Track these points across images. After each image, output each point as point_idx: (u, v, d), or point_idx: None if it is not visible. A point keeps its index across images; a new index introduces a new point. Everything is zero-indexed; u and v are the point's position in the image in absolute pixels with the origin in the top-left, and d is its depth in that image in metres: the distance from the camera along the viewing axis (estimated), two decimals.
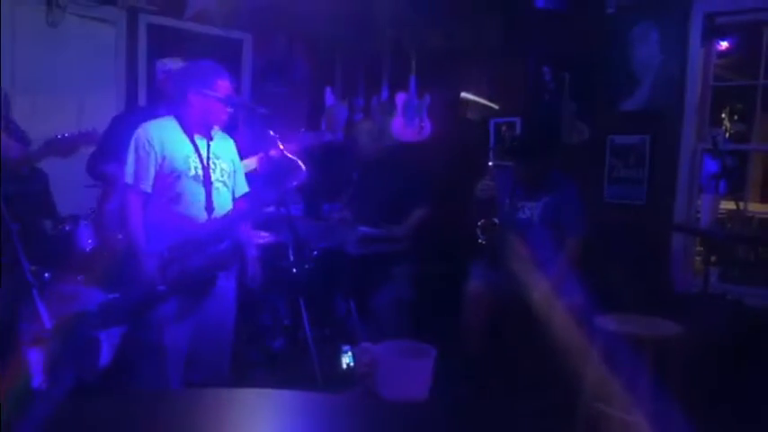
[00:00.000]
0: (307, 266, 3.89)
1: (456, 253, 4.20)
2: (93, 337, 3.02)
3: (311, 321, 3.25)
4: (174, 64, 3.43)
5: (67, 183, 3.82)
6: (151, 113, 3.05)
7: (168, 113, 2.78)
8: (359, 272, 3.95)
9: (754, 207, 4.48)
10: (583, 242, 3.50)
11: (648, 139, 3.97)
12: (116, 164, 3.19)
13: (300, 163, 2.83)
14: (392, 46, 5.05)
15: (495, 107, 4.63)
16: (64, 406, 1.78)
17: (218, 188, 2.72)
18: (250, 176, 3.08)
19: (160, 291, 2.53)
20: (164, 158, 2.63)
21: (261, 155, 3.27)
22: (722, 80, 4.20)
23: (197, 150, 2.69)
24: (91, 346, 3.01)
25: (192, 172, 2.65)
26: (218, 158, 2.75)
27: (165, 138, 2.66)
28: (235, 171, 2.87)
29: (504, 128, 4.66)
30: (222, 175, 2.76)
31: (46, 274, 3.11)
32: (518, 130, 4.57)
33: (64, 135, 2.77)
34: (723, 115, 5.49)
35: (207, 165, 2.69)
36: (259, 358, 4.01)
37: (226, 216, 2.72)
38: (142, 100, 4.72)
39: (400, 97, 4.84)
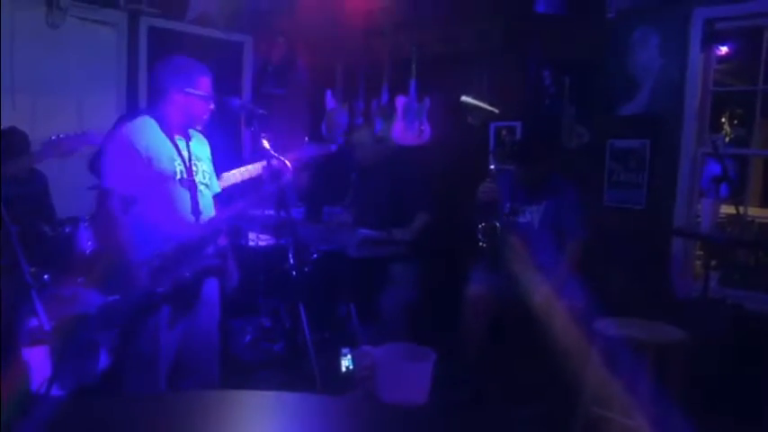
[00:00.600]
0: (307, 269, 3.90)
1: (456, 256, 4.20)
2: (92, 339, 3.02)
3: (311, 324, 3.24)
4: None
5: (67, 185, 3.83)
6: None
7: (146, 113, 2.64)
8: (359, 275, 3.95)
9: (754, 211, 4.49)
10: (583, 246, 3.51)
11: (648, 143, 3.97)
12: None
13: (287, 163, 2.70)
14: (392, 50, 5.06)
15: (496, 111, 4.63)
16: (63, 408, 1.78)
17: (201, 190, 2.63)
18: (250, 183, 3.05)
19: (156, 295, 2.43)
20: (149, 160, 2.49)
21: (265, 162, 3.23)
22: (722, 85, 4.20)
23: (179, 151, 2.58)
24: (90, 348, 3.00)
25: (179, 175, 2.55)
26: (198, 160, 2.66)
27: (149, 138, 2.52)
28: (212, 172, 2.77)
29: (504, 132, 4.66)
30: (204, 177, 2.67)
31: (45, 276, 3.11)
32: (518, 134, 4.58)
33: (62, 136, 2.75)
34: (723, 120, 5.50)
35: (189, 167, 2.59)
36: (259, 361, 4.02)
37: (212, 219, 2.64)
38: (143, 102, 4.72)
39: (400, 101, 4.84)
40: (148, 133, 2.54)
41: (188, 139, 2.65)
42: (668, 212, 3.90)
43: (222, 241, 2.72)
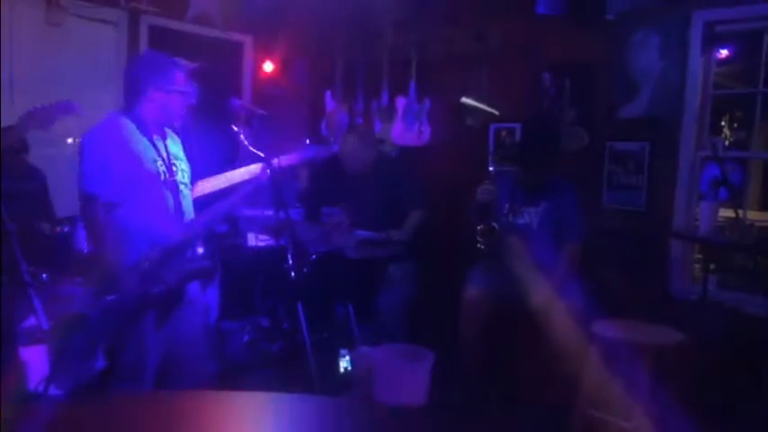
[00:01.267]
0: (305, 270, 3.90)
1: (454, 257, 4.20)
2: (89, 338, 3.01)
3: (309, 325, 3.24)
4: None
5: (66, 183, 3.82)
6: None
7: (121, 113, 2.52)
8: (357, 276, 3.95)
9: (754, 215, 4.48)
10: (582, 248, 3.51)
11: (648, 145, 3.97)
12: None
13: (261, 154, 2.65)
14: (392, 51, 5.06)
15: (496, 113, 4.63)
16: (61, 408, 1.78)
17: (182, 190, 2.55)
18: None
19: (148, 297, 2.36)
20: (133, 163, 2.40)
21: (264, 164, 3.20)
22: (722, 88, 4.20)
23: (158, 152, 2.49)
24: (88, 348, 2.99)
25: (162, 176, 2.47)
26: (177, 159, 2.58)
27: (129, 140, 2.43)
28: (188, 169, 2.69)
29: (503, 133, 4.66)
30: (183, 177, 2.59)
31: (43, 275, 3.10)
32: (518, 135, 4.58)
33: (39, 106, 2.67)
34: (723, 123, 5.50)
35: (170, 167, 2.51)
36: (257, 361, 4.01)
37: (197, 220, 2.58)
38: None
39: (400, 102, 4.85)
40: (128, 134, 2.44)
41: (164, 137, 2.57)
42: (667, 215, 3.90)
43: (210, 241, 2.67)
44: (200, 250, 2.57)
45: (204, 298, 2.74)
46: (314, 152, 3.51)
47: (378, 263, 3.97)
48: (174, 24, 4.94)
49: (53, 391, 2.56)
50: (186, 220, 2.53)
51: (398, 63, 4.97)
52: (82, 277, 3.18)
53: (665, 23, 3.88)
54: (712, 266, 3.74)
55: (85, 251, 3.41)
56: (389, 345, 3.49)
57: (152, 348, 2.47)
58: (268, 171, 2.66)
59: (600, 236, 3.72)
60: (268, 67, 5.54)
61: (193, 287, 2.62)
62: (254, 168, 2.77)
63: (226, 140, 2.93)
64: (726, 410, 3.06)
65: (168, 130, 2.63)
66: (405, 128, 4.83)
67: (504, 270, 3.47)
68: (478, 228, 3.57)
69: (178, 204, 2.51)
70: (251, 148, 2.65)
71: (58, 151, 4.04)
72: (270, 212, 3.33)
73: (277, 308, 4.25)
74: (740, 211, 3.81)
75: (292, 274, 3.48)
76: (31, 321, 2.83)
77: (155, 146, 2.49)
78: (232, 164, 2.91)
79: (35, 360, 2.78)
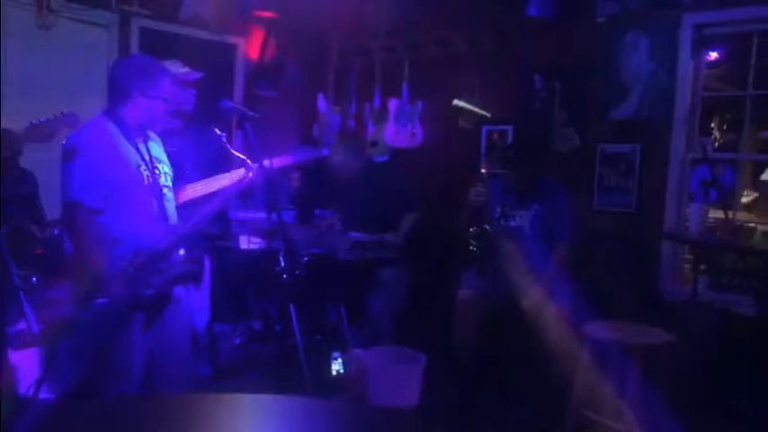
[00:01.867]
0: (298, 272, 3.88)
1: (447, 260, 4.21)
2: (80, 341, 2.99)
3: (301, 327, 3.24)
4: (173, 68, 3.36)
5: (57, 186, 3.80)
6: None
7: (104, 116, 2.48)
8: (350, 278, 3.95)
9: (743, 216, 4.51)
10: (573, 250, 3.52)
11: (638, 147, 3.99)
12: None
13: (248, 161, 2.62)
14: (385, 53, 5.07)
15: (488, 115, 4.65)
16: (52, 411, 1.77)
17: (165, 194, 2.52)
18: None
19: (137, 299, 2.34)
20: (116, 168, 2.36)
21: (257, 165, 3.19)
22: (712, 90, 4.23)
23: (141, 155, 2.46)
24: (78, 351, 2.98)
25: (146, 180, 2.44)
26: (159, 162, 2.54)
27: (112, 144, 2.39)
28: (171, 172, 2.66)
29: (495, 135, 4.68)
30: (166, 180, 2.56)
31: (34, 279, 3.09)
32: (510, 137, 4.59)
33: (43, 120, 2.66)
34: (712, 125, 5.54)
35: (152, 170, 2.48)
36: (249, 364, 4.01)
37: (181, 224, 2.55)
38: None
39: (393, 104, 4.85)
40: (111, 138, 2.41)
41: (146, 140, 2.54)
42: (658, 216, 3.92)
43: (182, 250, 2.61)
44: (184, 253, 2.52)
45: (191, 301, 2.71)
46: (305, 155, 3.51)
47: (370, 265, 3.98)
48: (165, 27, 4.93)
49: (44, 394, 2.54)
50: (170, 224, 2.50)
51: (391, 65, 4.98)
52: (72, 281, 3.16)
53: (655, 26, 3.90)
54: (702, 267, 3.76)
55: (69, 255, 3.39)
56: (382, 347, 3.50)
57: (138, 353, 2.45)
58: (250, 174, 2.64)
59: (591, 237, 3.73)
60: (260, 69, 5.53)
61: (179, 290, 2.59)
62: (241, 172, 2.77)
63: (211, 140, 2.91)
64: (716, 410, 3.08)
65: (151, 134, 2.60)
66: (397, 129, 4.84)
67: (497, 272, 3.48)
68: (471, 230, 3.57)
69: (162, 208, 2.48)
70: (233, 152, 2.63)
71: (49, 155, 4.02)
72: (262, 215, 3.33)
73: (269, 310, 4.24)
74: (730, 213, 3.83)
75: (284, 276, 3.47)
76: (21, 325, 2.81)
77: (137, 150, 2.46)
78: (223, 166, 2.90)
79: (25, 364, 2.77)
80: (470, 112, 4.69)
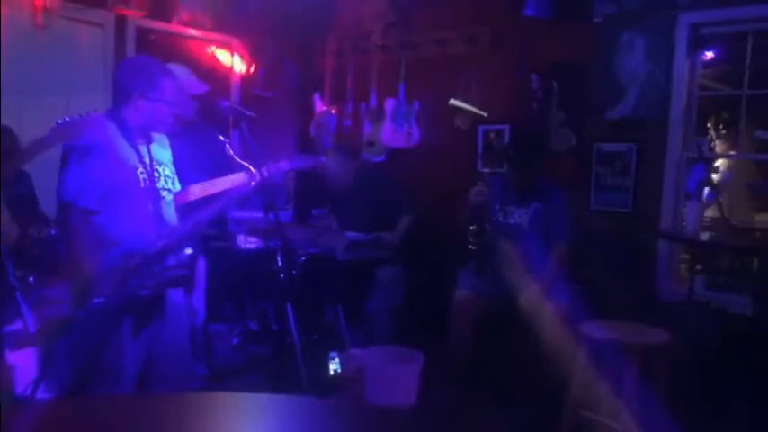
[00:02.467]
0: (295, 272, 3.89)
1: (443, 259, 4.21)
2: (77, 341, 2.99)
3: (299, 327, 3.24)
4: (179, 73, 3.34)
5: (53, 185, 3.79)
6: None
7: (107, 117, 2.48)
8: (347, 278, 3.95)
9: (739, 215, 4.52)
10: (570, 248, 3.53)
11: (635, 147, 4.01)
12: None
13: (251, 168, 2.64)
14: (381, 53, 5.07)
15: (484, 114, 4.65)
16: (49, 411, 1.77)
17: (164, 197, 2.51)
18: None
19: (125, 300, 2.32)
20: (109, 169, 2.35)
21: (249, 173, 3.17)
22: (708, 90, 4.25)
23: (140, 158, 2.45)
24: (75, 350, 2.98)
25: (142, 183, 2.43)
26: (160, 164, 2.53)
27: (110, 146, 2.38)
28: (174, 174, 2.64)
29: (492, 135, 4.68)
30: (166, 183, 2.54)
31: (30, 278, 3.08)
32: (506, 137, 4.60)
33: (68, 120, 2.62)
34: (708, 125, 5.55)
35: (151, 173, 2.46)
36: (246, 364, 4.00)
37: (177, 228, 2.53)
38: None
39: (389, 104, 4.86)
40: (110, 140, 2.40)
41: (149, 142, 2.53)
42: (654, 216, 3.93)
43: (189, 249, 2.57)
44: (177, 257, 2.51)
45: (188, 302, 2.70)
46: (302, 162, 3.52)
47: (367, 265, 3.98)
48: (162, 26, 4.92)
49: (41, 394, 2.54)
50: (165, 227, 2.48)
51: (387, 65, 4.98)
52: (67, 280, 3.16)
53: (652, 26, 3.91)
54: (699, 267, 3.77)
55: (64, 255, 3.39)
56: (379, 346, 3.50)
57: (131, 354, 2.43)
58: (253, 183, 2.65)
59: (587, 237, 3.74)
60: (256, 69, 5.53)
61: (175, 292, 2.58)
62: (242, 176, 2.77)
63: (214, 144, 2.91)
64: (712, 409, 3.08)
65: (157, 135, 2.59)
66: (394, 129, 4.84)
67: (495, 271, 3.49)
68: (471, 228, 3.58)
69: (158, 211, 2.46)
70: (237, 159, 2.63)
71: (46, 154, 4.01)
72: (258, 214, 3.33)
73: (266, 310, 4.25)
74: (726, 212, 3.84)
75: (281, 276, 3.47)
76: (18, 325, 2.81)
77: (137, 151, 2.45)
78: (221, 170, 2.90)
79: (23, 363, 2.76)
80: (467, 111, 4.69)
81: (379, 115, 4.95)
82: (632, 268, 3.90)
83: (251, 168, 2.65)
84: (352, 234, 3.92)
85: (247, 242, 4.31)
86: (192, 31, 5.09)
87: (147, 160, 2.47)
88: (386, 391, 3.27)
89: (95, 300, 2.27)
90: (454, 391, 3.51)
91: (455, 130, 4.75)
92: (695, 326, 3.34)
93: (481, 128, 4.72)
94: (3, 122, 3.51)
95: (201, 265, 3.43)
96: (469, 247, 3.60)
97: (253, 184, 2.66)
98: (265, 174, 2.65)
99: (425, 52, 4.88)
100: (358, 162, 4.49)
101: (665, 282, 3.92)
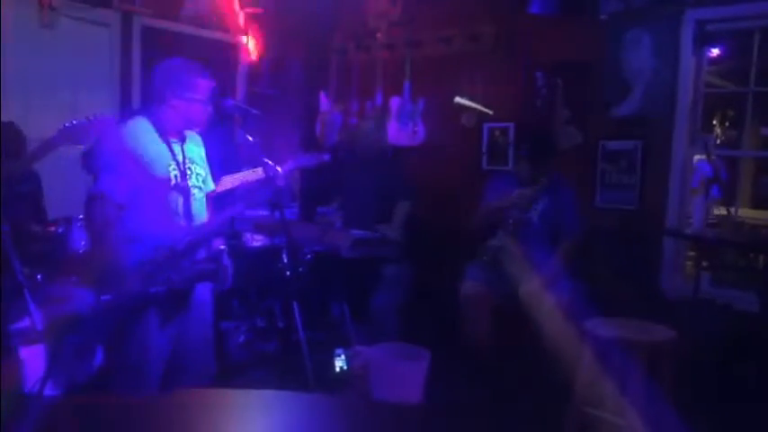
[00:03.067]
0: (300, 269, 3.90)
1: (448, 256, 4.21)
2: (85, 338, 3.01)
3: (305, 324, 3.24)
4: None
5: (60, 183, 3.82)
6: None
7: (140, 115, 2.61)
8: (352, 275, 3.96)
9: (745, 213, 4.51)
10: (578, 244, 3.54)
11: (640, 144, 4.00)
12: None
13: (278, 168, 2.73)
14: (386, 51, 5.07)
15: (489, 112, 4.65)
16: (56, 408, 1.78)
17: (194, 194, 2.60)
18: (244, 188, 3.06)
19: (147, 296, 2.40)
20: (144, 165, 2.47)
21: (261, 170, 3.20)
22: (714, 87, 4.23)
23: (173, 156, 2.56)
24: (83, 347, 3.00)
25: (173, 180, 2.53)
26: (192, 163, 2.63)
27: (144, 143, 2.50)
28: (207, 172, 2.75)
29: (497, 133, 4.68)
30: (198, 180, 2.64)
31: (38, 276, 3.10)
32: (511, 134, 4.59)
33: (75, 122, 2.68)
34: (714, 122, 5.53)
35: (184, 171, 2.57)
36: (252, 361, 4.01)
37: (205, 224, 2.62)
38: (137, 102, 4.72)
39: (394, 102, 4.85)
40: (144, 136, 2.52)
41: (183, 141, 2.63)
42: (660, 213, 3.92)
43: (218, 244, 2.69)
44: (204, 253, 2.59)
45: (212, 300, 2.77)
46: (307, 161, 3.53)
47: (372, 262, 3.98)
48: (167, 25, 4.93)
49: (49, 391, 2.56)
50: (193, 224, 2.57)
51: (392, 63, 4.98)
52: (77, 277, 3.18)
53: (657, 22, 3.90)
54: (705, 264, 3.76)
55: (81, 250, 3.41)
56: (385, 344, 3.50)
57: (155, 348, 2.51)
58: (274, 175, 2.71)
59: (593, 234, 3.74)
60: (262, 67, 5.54)
61: (202, 289, 2.66)
62: (259, 172, 2.84)
63: (220, 140, 2.95)
64: (719, 407, 3.08)
65: (190, 134, 2.69)
66: (399, 128, 4.84)
67: (501, 266, 3.50)
68: (488, 244, 3.58)
69: (187, 208, 2.56)
70: (266, 160, 2.70)
71: (53, 152, 4.04)
72: (264, 212, 3.34)
73: (272, 307, 4.25)
74: (732, 209, 3.84)
75: (287, 273, 3.48)
76: (26, 322, 2.83)
77: (171, 150, 2.56)
78: (233, 167, 2.94)
79: (30, 361, 2.78)
80: (472, 109, 4.69)
81: (384, 114, 4.95)
82: (638, 266, 3.90)
83: (277, 169, 2.73)
84: (357, 231, 3.93)
85: (253, 240, 4.32)
86: (198, 30, 5.10)
87: (180, 158, 2.57)
88: (392, 389, 3.28)
89: (104, 297, 2.32)
90: (459, 388, 3.51)
91: (460, 128, 4.75)
92: (701, 323, 3.33)
93: (486, 126, 4.71)
94: (11, 120, 3.53)
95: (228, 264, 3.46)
96: (487, 242, 3.61)
97: (279, 183, 2.74)
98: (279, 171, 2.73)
99: (430, 50, 4.87)
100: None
101: (671, 279, 3.91)
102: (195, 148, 2.71)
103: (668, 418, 2.59)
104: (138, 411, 1.66)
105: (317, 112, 5.34)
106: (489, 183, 3.90)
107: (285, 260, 3.53)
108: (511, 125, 4.60)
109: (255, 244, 4.31)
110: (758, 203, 5.58)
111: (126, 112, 4.41)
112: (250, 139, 2.70)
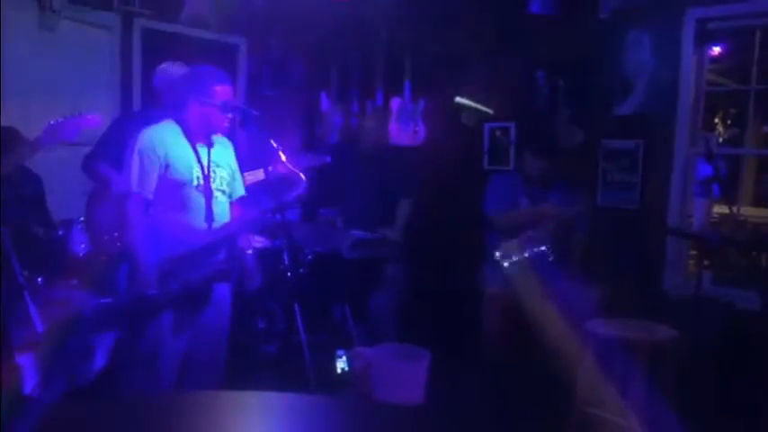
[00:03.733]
0: (302, 271, 3.90)
1: (449, 256, 4.21)
2: (85, 341, 3.01)
3: (306, 325, 3.25)
4: (173, 68, 3.39)
5: (61, 187, 3.81)
6: (150, 117, 3.01)
7: (167, 117, 2.72)
8: (353, 276, 3.95)
9: (747, 211, 4.50)
10: (586, 242, 3.54)
11: (642, 143, 3.99)
12: (109, 164, 3.20)
13: (302, 175, 2.85)
14: (387, 51, 5.06)
15: (490, 112, 4.64)
16: (55, 411, 1.78)
17: (217, 197, 2.69)
18: (252, 185, 3.10)
19: (162, 296, 2.49)
20: (168, 166, 2.58)
21: (269, 168, 3.23)
22: (715, 85, 4.22)
23: (198, 158, 2.66)
24: (83, 350, 2.99)
25: (195, 182, 2.62)
26: (217, 166, 2.73)
27: (170, 145, 2.61)
28: (233, 177, 2.84)
29: (498, 132, 4.67)
30: (221, 184, 2.74)
31: (38, 279, 3.10)
32: (512, 134, 4.58)
33: (60, 120, 2.72)
34: (716, 120, 5.52)
35: (207, 174, 2.66)
36: (254, 362, 4.01)
37: (225, 226, 2.70)
38: (137, 104, 4.71)
39: (395, 102, 4.85)
40: (170, 139, 2.62)
41: (210, 145, 2.72)
42: (661, 212, 3.92)
43: (241, 244, 2.81)
44: (222, 254, 2.68)
45: (230, 301, 2.83)
46: (308, 162, 3.54)
47: (373, 263, 3.98)
48: (167, 27, 4.93)
49: (48, 394, 2.56)
50: (214, 226, 2.64)
51: (393, 63, 4.97)
52: (81, 277, 3.19)
53: (658, 21, 3.89)
54: (706, 262, 3.75)
55: (81, 253, 3.41)
56: (386, 344, 3.50)
57: (168, 349, 2.57)
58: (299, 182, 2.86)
59: (595, 233, 3.73)
60: (262, 68, 5.54)
61: (220, 290, 2.71)
62: (259, 174, 2.91)
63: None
64: (720, 406, 3.07)
65: (219, 138, 2.78)
66: (399, 128, 4.83)
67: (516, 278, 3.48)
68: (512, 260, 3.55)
69: (209, 210, 2.64)
70: (289, 166, 2.81)
71: (55, 154, 4.04)
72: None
73: (273, 309, 4.25)
74: (734, 208, 3.82)
75: (288, 274, 3.49)
76: (26, 325, 2.82)
77: (196, 153, 2.65)
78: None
79: (30, 363, 2.78)
80: (473, 109, 4.69)
81: (384, 114, 4.94)
82: (639, 264, 3.89)
83: (302, 176, 2.88)
84: (357, 232, 3.93)
85: (254, 240, 4.32)
86: (198, 31, 5.10)
87: (205, 162, 2.66)
88: (393, 389, 3.28)
89: (142, 290, 2.40)
90: (460, 389, 3.51)
91: (461, 127, 4.75)
92: (703, 322, 3.32)
93: (487, 125, 4.71)
94: (9, 124, 3.53)
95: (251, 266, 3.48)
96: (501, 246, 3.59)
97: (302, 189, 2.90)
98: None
99: (431, 50, 4.87)
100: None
101: (673, 278, 3.90)
102: (223, 153, 2.80)
103: (669, 417, 2.58)
104: (139, 413, 1.65)
105: (317, 112, 5.34)
106: (491, 182, 3.89)
107: (286, 261, 3.53)
108: (512, 125, 4.59)
109: (256, 245, 4.31)
110: (760, 201, 5.57)
111: (130, 113, 4.41)
112: (274, 145, 2.75)
